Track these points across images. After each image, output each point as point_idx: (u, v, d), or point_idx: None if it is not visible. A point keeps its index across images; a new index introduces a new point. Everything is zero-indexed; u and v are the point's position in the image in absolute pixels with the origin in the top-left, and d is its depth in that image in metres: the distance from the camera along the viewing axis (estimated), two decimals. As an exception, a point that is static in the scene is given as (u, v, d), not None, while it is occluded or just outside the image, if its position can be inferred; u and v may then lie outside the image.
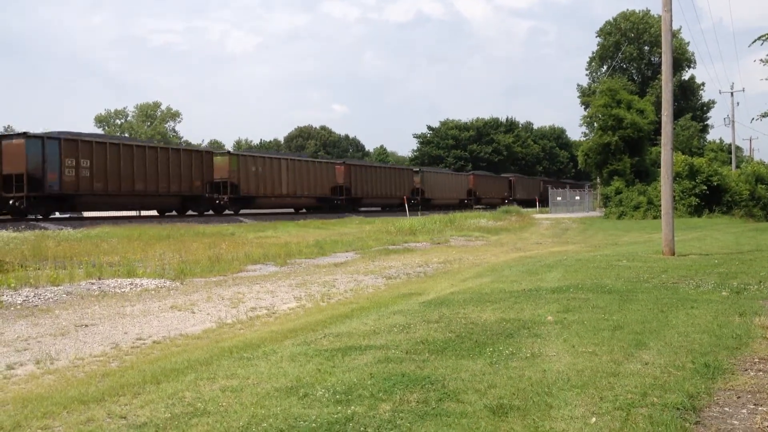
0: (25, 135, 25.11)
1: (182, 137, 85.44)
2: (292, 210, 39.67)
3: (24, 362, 6.42)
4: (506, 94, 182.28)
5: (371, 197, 44.81)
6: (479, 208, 51.03)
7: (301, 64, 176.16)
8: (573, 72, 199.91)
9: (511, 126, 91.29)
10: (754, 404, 4.15)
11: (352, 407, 4.07)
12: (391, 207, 47.86)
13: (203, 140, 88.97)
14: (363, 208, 44.15)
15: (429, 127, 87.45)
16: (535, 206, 56.31)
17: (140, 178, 28.34)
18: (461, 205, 54.55)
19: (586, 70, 68.33)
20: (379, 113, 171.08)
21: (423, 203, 49.89)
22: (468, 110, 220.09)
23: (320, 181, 39.60)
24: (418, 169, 52.61)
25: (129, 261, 13.98)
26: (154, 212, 32.45)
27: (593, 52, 66.63)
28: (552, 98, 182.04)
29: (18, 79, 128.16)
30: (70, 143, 25.86)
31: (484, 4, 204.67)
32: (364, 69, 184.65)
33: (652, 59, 64.59)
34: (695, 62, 65.58)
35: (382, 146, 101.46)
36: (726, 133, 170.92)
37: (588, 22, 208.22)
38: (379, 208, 46.00)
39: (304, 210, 39.95)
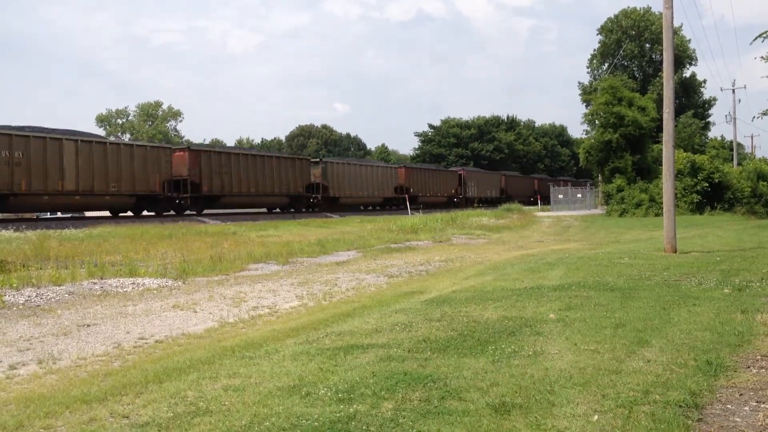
0: None
1: (184, 137, 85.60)
2: (84, 213, 29.94)
3: (26, 362, 6.43)
4: (507, 92, 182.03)
5: (237, 195, 33.56)
6: (415, 209, 40.59)
7: (303, 63, 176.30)
8: (574, 70, 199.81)
9: (512, 124, 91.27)
10: (757, 401, 4.15)
11: (355, 406, 4.07)
12: (276, 208, 37.86)
13: (204, 139, 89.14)
14: (227, 210, 34.22)
15: (430, 126, 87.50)
16: (536, 204, 56.25)
17: None
18: (387, 206, 44.99)
19: (588, 67, 68.35)
20: (380, 112, 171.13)
21: (328, 202, 39.79)
22: (469, 108, 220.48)
23: (145, 173, 28.69)
24: (318, 159, 41.52)
25: (131, 260, 14.01)
26: None
27: (594, 50, 66.58)
28: (553, 96, 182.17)
29: (18, 79, 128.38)
30: None
31: (485, 3, 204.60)
32: (365, 68, 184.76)
33: (654, 56, 64.49)
34: (696, 59, 65.64)
35: (383, 145, 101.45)
36: (727, 130, 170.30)
37: (589, 20, 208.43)
38: (262, 209, 36.44)
39: (130, 212, 30.02)
